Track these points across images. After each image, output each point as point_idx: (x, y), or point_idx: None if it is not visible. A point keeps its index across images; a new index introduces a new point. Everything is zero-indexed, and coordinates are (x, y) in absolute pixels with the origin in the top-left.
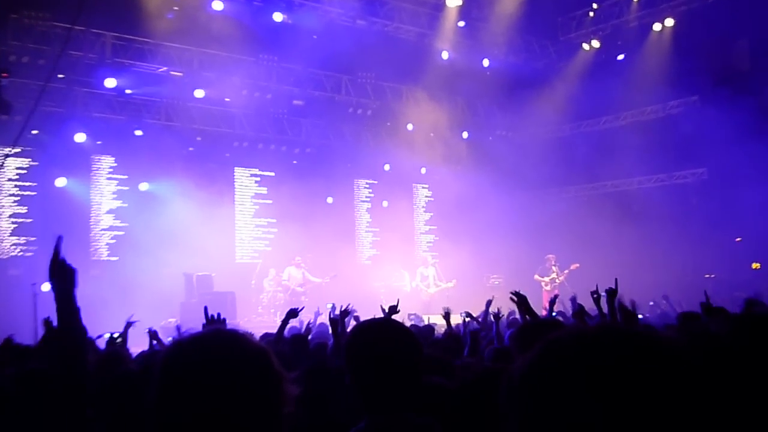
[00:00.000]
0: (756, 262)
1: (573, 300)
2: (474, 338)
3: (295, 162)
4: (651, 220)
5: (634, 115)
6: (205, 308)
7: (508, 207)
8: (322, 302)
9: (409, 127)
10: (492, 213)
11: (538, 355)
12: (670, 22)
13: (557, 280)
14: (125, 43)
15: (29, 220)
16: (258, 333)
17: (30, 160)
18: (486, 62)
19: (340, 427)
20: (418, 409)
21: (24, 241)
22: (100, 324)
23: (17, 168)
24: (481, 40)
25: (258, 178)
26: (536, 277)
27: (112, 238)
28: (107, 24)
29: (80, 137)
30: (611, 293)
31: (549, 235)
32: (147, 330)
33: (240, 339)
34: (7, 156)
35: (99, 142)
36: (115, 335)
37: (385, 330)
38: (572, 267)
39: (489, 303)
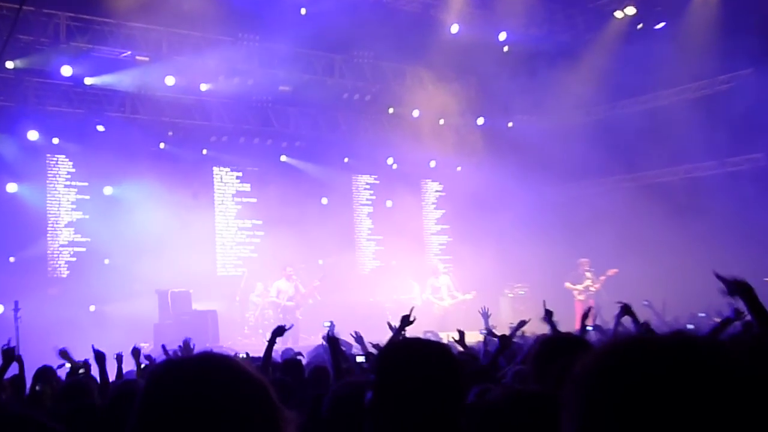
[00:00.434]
0: None
1: (622, 310)
2: (495, 357)
3: (282, 158)
4: (700, 215)
5: (677, 93)
6: (163, 346)
7: (533, 203)
8: (318, 320)
9: (415, 113)
10: (514, 211)
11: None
12: None
13: (592, 289)
14: (82, 25)
15: None
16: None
17: None
18: (503, 36)
19: None
20: None
21: None
22: (62, 349)
23: None
24: (497, 11)
25: (240, 173)
26: (567, 285)
27: (72, 255)
28: (61, 3)
29: (33, 135)
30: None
31: (581, 235)
32: (115, 355)
33: (235, 368)
34: None
35: (55, 140)
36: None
37: (432, 350)
38: (609, 273)
39: (522, 324)
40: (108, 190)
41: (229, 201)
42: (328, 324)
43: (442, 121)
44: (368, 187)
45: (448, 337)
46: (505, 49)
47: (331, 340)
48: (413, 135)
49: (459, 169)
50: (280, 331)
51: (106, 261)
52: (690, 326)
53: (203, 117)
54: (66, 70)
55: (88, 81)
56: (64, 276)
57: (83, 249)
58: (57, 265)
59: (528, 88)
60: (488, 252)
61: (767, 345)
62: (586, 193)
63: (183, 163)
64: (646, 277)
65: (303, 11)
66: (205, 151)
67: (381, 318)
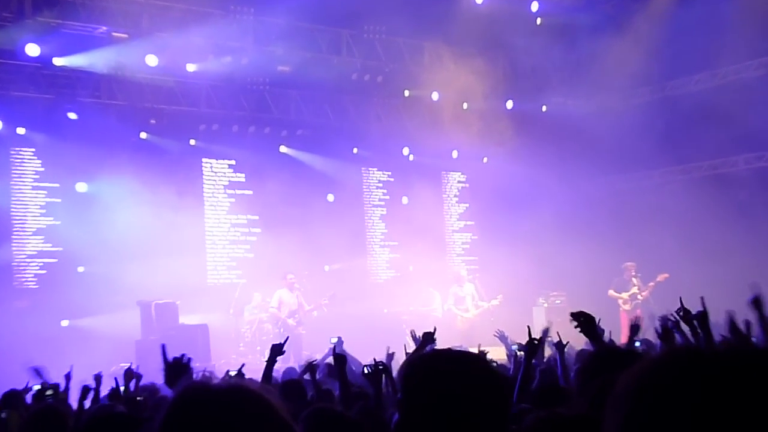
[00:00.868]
0: None
1: (663, 321)
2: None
3: (282, 149)
4: (762, 211)
5: (746, 68)
6: (163, 346)
7: (571, 199)
8: (324, 335)
9: (434, 96)
10: (549, 208)
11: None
12: None
13: (640, 297)
14: None
15: None
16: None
17: None
18: (535, 5)
19: None
20: None
21: None
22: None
23: None
24: None
25: (233, 161)
26: (611, 292)
27: (42, 268)
28: None
29: None
30: (702, 317)
31: (629, 235)
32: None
33: (268, 407)
34: None
35: (20, 131)
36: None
37: (470, 362)
38: (659, 278)
39: (546, 332)
40: (81, 187)
41: (221, 193)
42: (336, 340)
43: (465, 105)
44: (381, 180)
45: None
46: (538, 21)
47: (338, 358)
48: (432, 121)
49: (485, 160)
50: (278, 349)
51: (81, 269)
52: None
53: (190, 102)
54: (32, 50)
55: (58, 62)
56: (34, 287)
57: (54, 260)
58: (24, 277)
59: (565, 66)
60: (519, 255)
61: None
62: (635, 186)
63: (167, 156)
64: (707, 284)
65: None
66: (193, 142)
67: (397, 333)
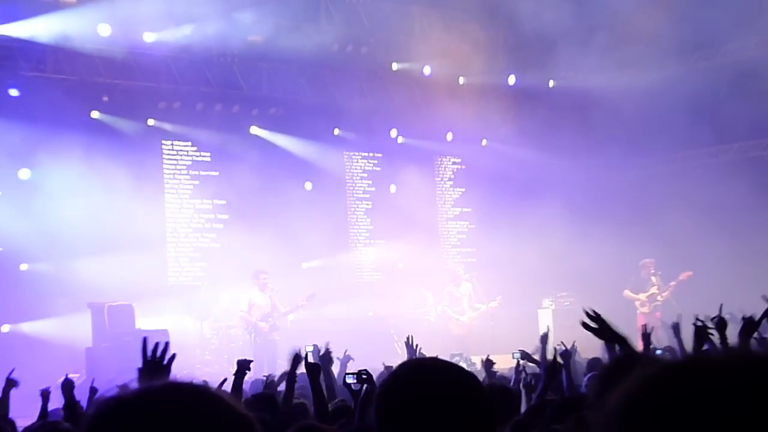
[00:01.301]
0: None
1: (675, 329)
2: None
3: (253, 129)
4: None
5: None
6: (144, 339)
7: (583, 186)
8: (300, 341)
9: (426, 70)
10: (557, 196)
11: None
12: None
13: (659, 298)
14: None
15: None
16: None
17: None
18: None
19: None
20: None
21: None
22: None
23: None
24: None
25: (197, 144)
26: (627, 293)
27: None
28: None
29: None
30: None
31: (648, 227)
32: (40, 391)
33: (218, 403)
34: None
35: None
36: None
37: (449, 375)
38: (682, 276)
39: (545, 338)
40: (24, 174)
41: (183, 174)
42: (311, 348)
43: (461, 80)
44: (366, 165)
45: (481, 361)
46: None
47: (311, 367)
48: (424, 99)
49: (484, 143)
50: (245, 366)
51: (23, 267)
52: None
53: (148, 77)
54: None
55: None
56: None
57: None
58: None
59: (575, 36)
60: (523, 249)
61: None
62: (656, 172)
63: (122, 138)
64: (737, 284)
65: None
66: (151, 122)
67: (384, 338)
